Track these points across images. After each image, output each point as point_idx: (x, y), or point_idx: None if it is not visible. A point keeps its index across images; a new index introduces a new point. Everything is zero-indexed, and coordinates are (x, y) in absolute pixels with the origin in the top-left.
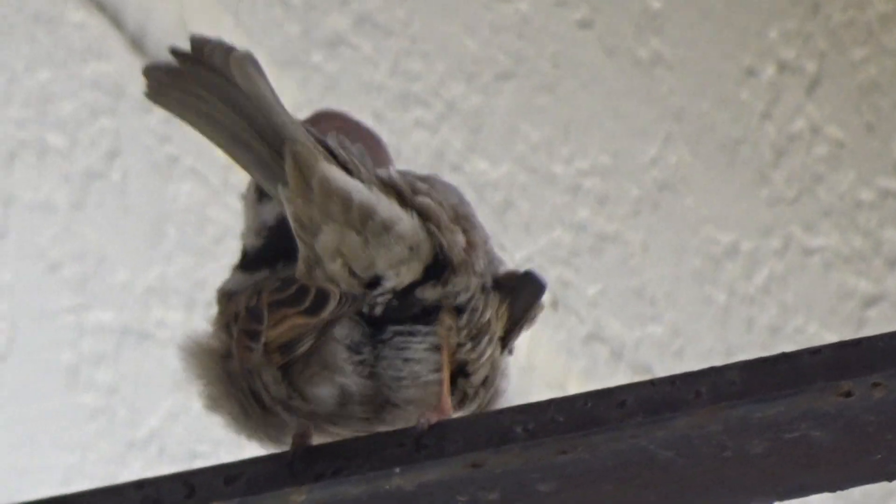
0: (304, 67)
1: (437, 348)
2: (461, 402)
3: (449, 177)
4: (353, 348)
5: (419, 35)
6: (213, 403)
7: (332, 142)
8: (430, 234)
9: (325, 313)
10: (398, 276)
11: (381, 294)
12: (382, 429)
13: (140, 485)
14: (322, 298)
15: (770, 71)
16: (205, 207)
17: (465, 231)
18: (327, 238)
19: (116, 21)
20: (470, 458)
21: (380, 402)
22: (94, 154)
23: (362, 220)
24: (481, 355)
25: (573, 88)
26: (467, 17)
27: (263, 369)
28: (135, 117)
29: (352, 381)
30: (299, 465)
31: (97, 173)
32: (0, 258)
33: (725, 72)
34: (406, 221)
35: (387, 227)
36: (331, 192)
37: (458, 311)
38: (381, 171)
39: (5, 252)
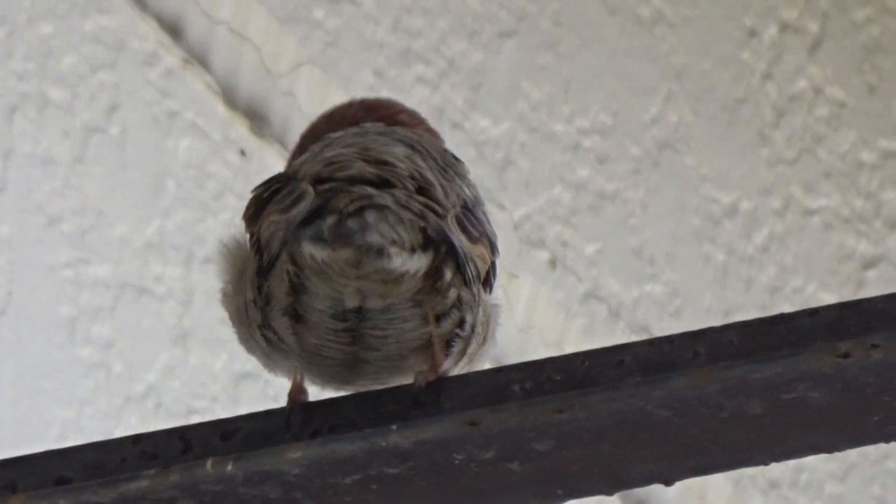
0: (305, 23)
1: (419, 305)
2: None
3: (449, 134)
4: (338, 317)
5: None
6: (224, 299)
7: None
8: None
9: (293, 212)
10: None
11: None
12: (359, 384)
13: (136, 439)
14: (298, 198)
15: (772, 31)
16: (204, 162)
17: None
18: (350, 289)
19: None
20: (467, 416)
21: (352, 360)
22: (94, 108)
23: (395, 280)
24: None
25: (574, 47)
26: None
27: (254, 283)
28: (135, 72)
29: (325, 343)
30: (295, 421)
31: (97, 128)
32: None
33: (727, 31)
34: (429, 263)
35: (412, 277)
36: (380, 272)
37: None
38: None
39: (4, 206)
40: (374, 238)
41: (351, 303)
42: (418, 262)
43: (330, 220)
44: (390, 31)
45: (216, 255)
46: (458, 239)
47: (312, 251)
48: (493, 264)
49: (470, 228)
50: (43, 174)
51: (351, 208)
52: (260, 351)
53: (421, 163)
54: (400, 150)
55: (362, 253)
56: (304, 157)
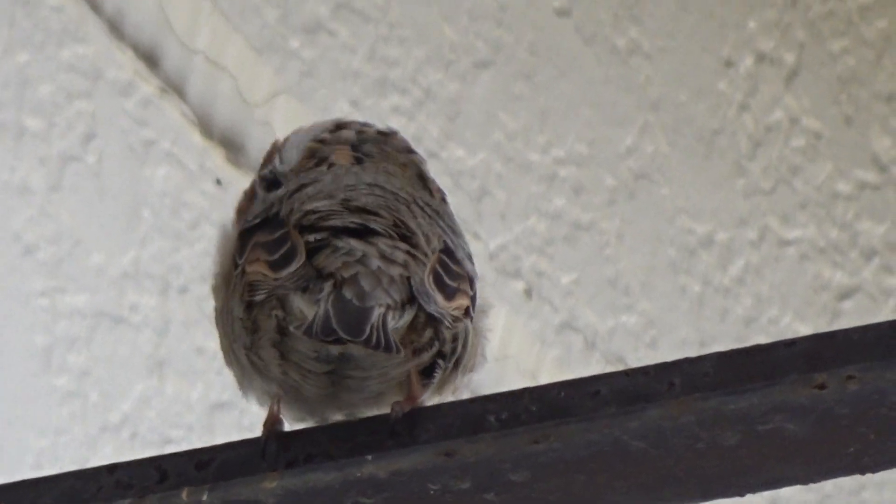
0: (281, 53)
1: (401, 342)
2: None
3: None
4: (322, 359)
5: (397, 22)
6: (212, 290)
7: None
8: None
9: (283, 274)
10: None
11: None
12: (334, 418)
13: (112, 469)
14: (289, 256)
15: (748, 62)
16: (181, 192)
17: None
18: (333, 350)
19: (94, 4)
20: (442, 446)
21: (331, 398)
22: (70, 137)
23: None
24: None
25: (551, 77)
26: (445, 4)
27: (240, 303)
28: (111, 101)
29: (307, 386)
30: (271, 451)
31: (73, 156)
32: None
33: (703, 62)
34: (415, 313)
35: (400, 330)
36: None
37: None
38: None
39: None
40: (375, 338)
41: (336, 350)
42: (407, 317)
43: (328, 307)
44: (366, 61)
45: (215, 242)
46: (435, 303)
47: (311, 345)
48: (472, 298)
49: (448, 283)
50: (19, 202)
51: (346, 274)
52: (239, 368)
53: (403, 208)
54: (382, 199)
55: (361, 348)
56: (281, 192)
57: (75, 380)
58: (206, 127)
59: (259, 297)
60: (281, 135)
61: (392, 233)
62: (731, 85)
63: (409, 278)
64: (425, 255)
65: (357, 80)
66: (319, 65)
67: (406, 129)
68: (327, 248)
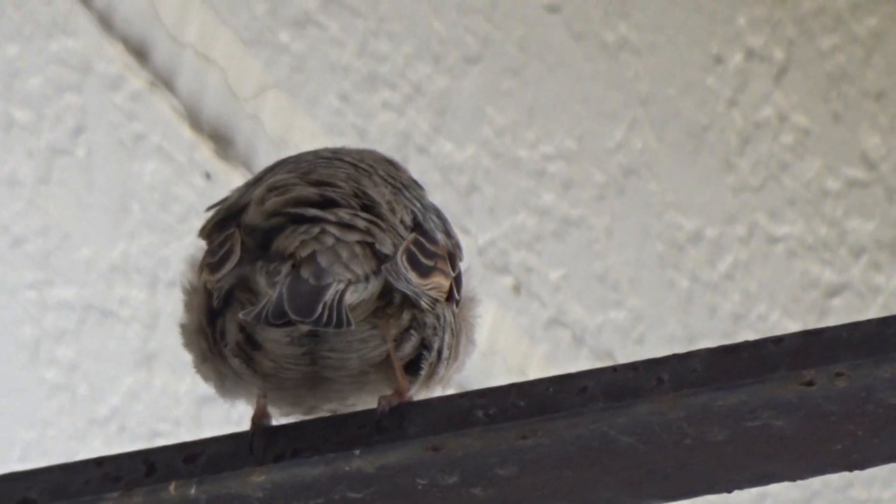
0: (270, 47)
1: (375, 327)
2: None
3: (414, 159)
4: (296, 342)
5: (387, 16)
6: (184, 308)
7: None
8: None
9: (218, 276)
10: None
11: None
12: (324, 407)
13: (100, 462)
14: (223, 258)
15: (738, 58)
16: (169, 185)
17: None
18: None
19: None
20: (430, 441)
21: (315, 379)
22: (59, 130)
23: (351, 310)
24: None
25: (539, 72)
26: None
27: (203, 314)
28: (100, 94)
29: (291, 371)
30: (259, 445)
31: (62, 149)
32: None
33: (693, 58)
34: (381, 285)
35: (366, 302)
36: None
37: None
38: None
39: None
40: (327, 315)
41: (304, 328)
42: (372, 288)
43: (283, 290)
44: (356, 56)
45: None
46: (407, 281)
47: (278, 332)
48: (456, 280)
49: (422, 261)
50: (8, 195)
51: (303, 253)
52: (213, 380)
53: (365, 181)
54: (342, 171)
55: (319, 330)
56: (251, 181)
57: (64, 373)
58: (196, 120)
59: (217, 304)
60: (270, 129)
61: (353, 203)
62: (721, 81)
63: (371, 245)
64: (391, 225)
65: (346, 74)
66: (309, 59)
67: (395, 124)
68: (287, 229)
